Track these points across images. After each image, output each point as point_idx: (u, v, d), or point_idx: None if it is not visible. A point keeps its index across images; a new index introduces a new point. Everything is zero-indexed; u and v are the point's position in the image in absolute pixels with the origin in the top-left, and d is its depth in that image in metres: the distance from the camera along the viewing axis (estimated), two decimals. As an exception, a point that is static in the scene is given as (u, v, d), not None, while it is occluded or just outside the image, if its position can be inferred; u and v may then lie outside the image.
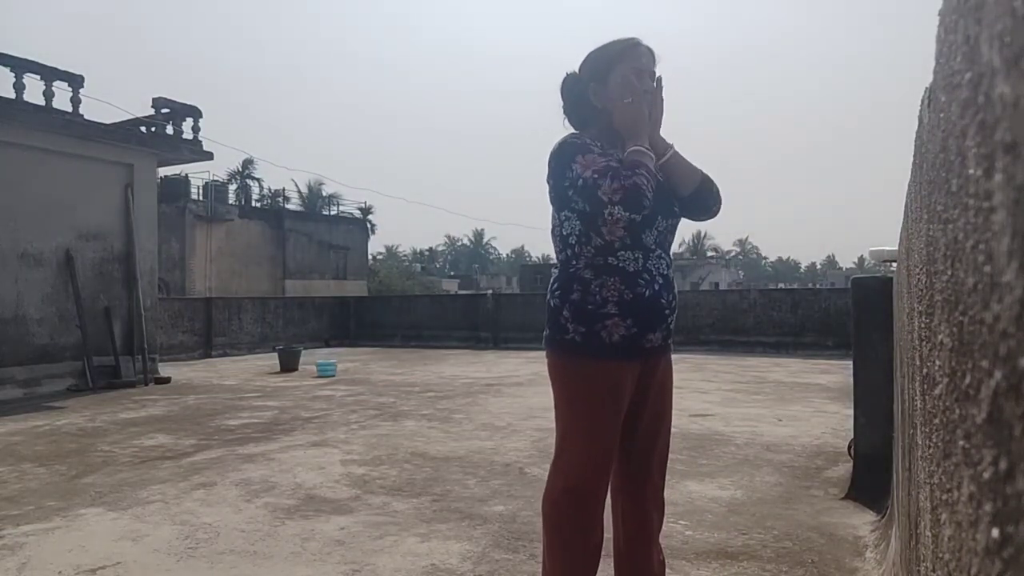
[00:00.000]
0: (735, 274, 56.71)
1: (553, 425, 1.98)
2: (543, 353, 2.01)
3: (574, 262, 1.93)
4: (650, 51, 1.97)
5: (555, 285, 1.97)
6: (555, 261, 2.05)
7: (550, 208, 2.02)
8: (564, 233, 1.96)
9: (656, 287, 1.91)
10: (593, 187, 1.79)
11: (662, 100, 1.97)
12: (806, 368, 10.29)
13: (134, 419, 6.51)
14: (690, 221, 2.13)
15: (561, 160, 1.90)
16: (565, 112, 2.07)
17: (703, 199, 2.02)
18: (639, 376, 1.96)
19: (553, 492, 1.93)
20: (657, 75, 1.96)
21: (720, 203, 2.05)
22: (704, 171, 2.02)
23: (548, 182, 1.98)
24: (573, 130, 2.04)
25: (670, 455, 2.17)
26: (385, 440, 5.27)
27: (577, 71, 2.03)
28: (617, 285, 1.87)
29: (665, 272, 1.96)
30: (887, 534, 2.71)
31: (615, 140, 1.98)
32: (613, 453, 1.93)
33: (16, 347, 8.48)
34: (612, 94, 1.94)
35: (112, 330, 9.44)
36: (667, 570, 2.21)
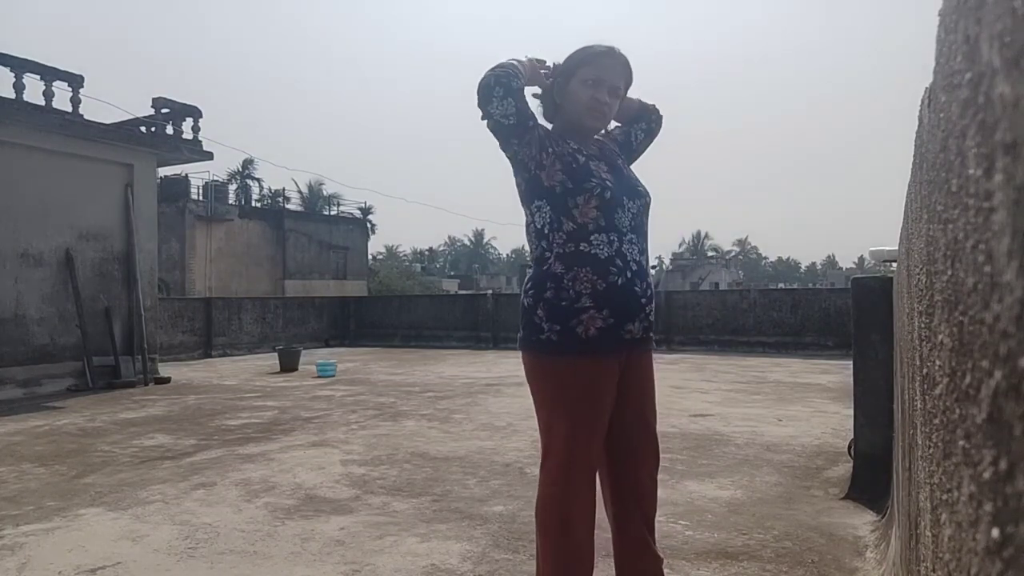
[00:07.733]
0: (735, 274, 56.64)
1: (553, 426, 1.98)
2: None
3: (547, 255, 1.92)
4: (623, 63, 2.02)
5: (528, 284, 1.96)
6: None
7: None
8: (538, 225, 1.96)
9: (629, 274, 1.90)
10: (491, 120, 1.95)
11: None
12: (806, 368, 10.29)
13: (134, 419, 6.51)
14: (646, 150, 2.29)
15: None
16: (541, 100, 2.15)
17: (644, 118, 2.25)
18: (620, 374, 1.95)
19: (541, 495, 1.93)
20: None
21: (659, 125, 2.29)
22: (640, 100, 2.26)
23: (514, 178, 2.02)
24: (547, 122, 2.09)
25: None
26: (385, 440, 5.27)
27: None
28: (589, 276, 1.86)
29: (638, 258, 1.96)
30: (887, 534, 2.71)
31: (583, 134, 2.04)
32: (597, 454, 1.92)
33: (16, 347, 8.49)
34: (569, 95, 2.02)
35: (112, 330, 9.44)
36: (667, 570, 2.21)
